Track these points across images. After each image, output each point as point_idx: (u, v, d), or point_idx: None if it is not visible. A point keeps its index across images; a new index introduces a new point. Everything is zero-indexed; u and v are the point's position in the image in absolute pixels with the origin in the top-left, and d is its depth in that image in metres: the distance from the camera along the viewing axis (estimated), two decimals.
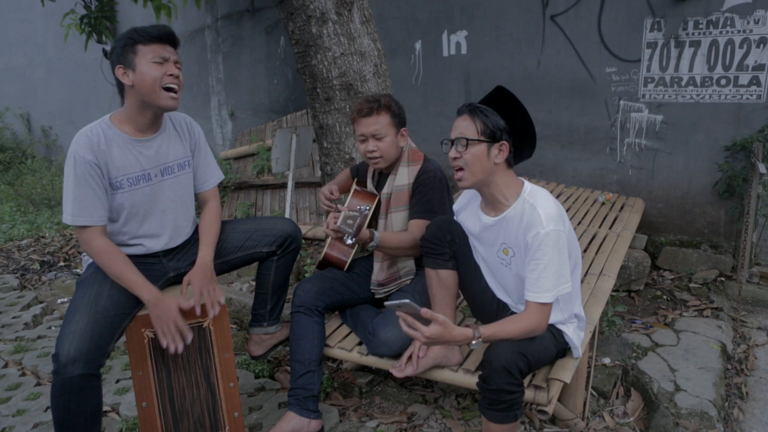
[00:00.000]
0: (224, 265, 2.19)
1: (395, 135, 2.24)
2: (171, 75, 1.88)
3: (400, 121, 2.25)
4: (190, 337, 1.90)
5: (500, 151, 1.82)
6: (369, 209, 1.98)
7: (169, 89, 1.89)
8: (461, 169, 1.83)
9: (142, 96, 1.89)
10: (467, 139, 1.80)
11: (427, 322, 1.67)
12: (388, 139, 2.21)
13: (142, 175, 1.97)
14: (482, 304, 2.07)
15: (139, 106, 1.92)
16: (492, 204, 1.91)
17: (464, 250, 2.05)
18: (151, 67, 1.85)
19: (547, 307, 1.79)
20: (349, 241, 1.93)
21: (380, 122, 2.19)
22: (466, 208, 2.07)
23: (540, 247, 1.75)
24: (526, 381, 1.90)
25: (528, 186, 1.88)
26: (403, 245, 2.18)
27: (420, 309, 1.64)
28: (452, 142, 1.85)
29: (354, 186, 2.44)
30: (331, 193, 2.43)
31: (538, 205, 1.80)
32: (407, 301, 1.62)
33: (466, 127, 1.82)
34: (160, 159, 2.02)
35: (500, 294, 2.03)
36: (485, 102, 1.86)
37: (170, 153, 2.04)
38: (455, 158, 1.83)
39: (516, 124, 1.83)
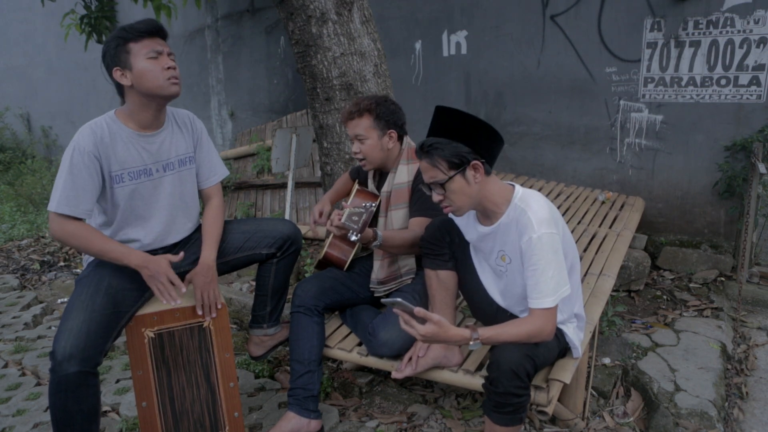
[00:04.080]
0: (223, 266, 2.19)
1: (378, 138, 2.25)
2: (169, 68, 1.88)
3: (385, 123, 2.25)
4: (183, 289, 1.92)
5: (476, 171, 1.77)
6: (374, 206, 1.99)
7: (169, 79, 1.89)
8: (450, 206, 1.82)
9: (144, 92, 1.88)
10: (441, 184, 1.78)
11: (423, 320, 1.67)
12: (369, 141, 2.24)
13: (143, 170, 1.97)
14: (481, 304, 2.07)
15: (140, 103, 1.92)
16: (486, 214, 1.89)
17: (463, 251, 2.05)
18: (148, 63, 1.85)
19: (550, 312, 1.75)
20: (353, 238, 1.92)
21: (361, 125, 2.23)
22: (463, 218, 2.06)
23: (534, 251, 1.74)
24: None
25: (519, 190, 1.85)
26: (405, 243, 2.18)
27: (413, 308, 1.65)
28: (430, 187, 1.83)
29: (356, 186, 2.44)
30: (320, 215, 2.40)
31: (529, 209, 1.77)
32: (399, 300, 1.64)
33: (431, 170, 1.78)
34: (163, 155, 2.02)
35: (501, 301, 2.01)
36: (434, 129, 1.80)
37: (172, 149, 2.04)
38: (441, 201, 1.82)
39: (473, 134, 1.77)
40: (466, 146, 1.75)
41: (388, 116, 2.25)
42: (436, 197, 1.83)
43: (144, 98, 1.91)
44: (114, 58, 1.87)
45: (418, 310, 1.65)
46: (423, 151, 1.79)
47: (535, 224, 1.74)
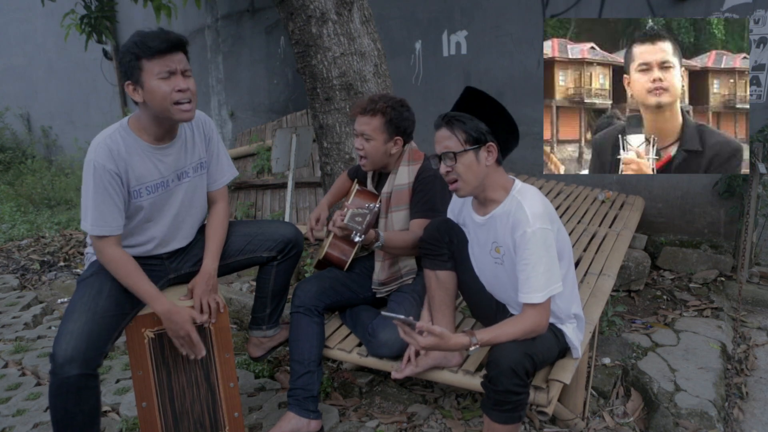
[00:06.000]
0: (224, 268, 2.18)
1: (384, 141, 2.22)
2: (180, 91, 1.77)
3: (394, 128, 2.22)
4: (202, 353, 1.95)
5: (489, 153, 1.81)
6: (377, 207, 1.98)
7: (179, 103, 1.79)
8: (456, 180, 1.83)
9: (155, 111, 1.82)
10: (454, 153, 1.79)
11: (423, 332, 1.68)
12: (374, 142, 2.21)
13: (160, 182, 1.94)
14: (481, 304, 2.07)
15: (153, 118, 1.86)
16: (484, 203, 1.90)
17: (462, 251, 2.04)
18: (159, 84, 1.75)
19: (541, 307, 1.76)
20: (357, 239, 1.92)
21: (371, 124, 2.20)
22: (463, 210, 2.06)
23: (527, 246, 1.74)
24: None
25: (518, 184, 1.87)
26: (406, 244, 2.18)
27: (415, 323, 1.66)
28: (439, 158, 1.83)
29: (356, 186, 2.44)
30: (317, 222, 2.38)
31: (525, 203, 1.78)
32: (402, 316, 1.66)
33: (448, 139, 1.80)
34: (179, 165, 1.98)
35: (498, 295, 2.02)
36: (459, 106, 1.84)
37: (187, 158, 2.01)
38: (447, 172, 1.83)
39: (494, 119, 1.81)
40: (486, 127, 1.79)
41: (399, 123, 2.22)
42: (443, 168, 1.83)
43: (156, 115, 1.84)
44: (127, 72, 1.78)
45: (420, 325, 1.66)
46: (444, 120, 1.82)
47: (531, 218, 1.74)
